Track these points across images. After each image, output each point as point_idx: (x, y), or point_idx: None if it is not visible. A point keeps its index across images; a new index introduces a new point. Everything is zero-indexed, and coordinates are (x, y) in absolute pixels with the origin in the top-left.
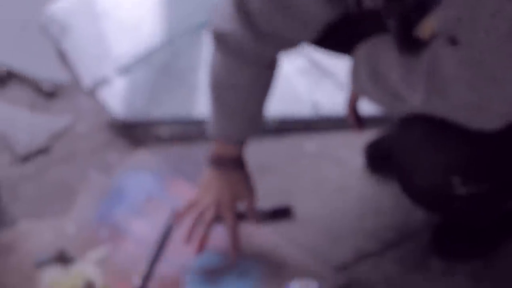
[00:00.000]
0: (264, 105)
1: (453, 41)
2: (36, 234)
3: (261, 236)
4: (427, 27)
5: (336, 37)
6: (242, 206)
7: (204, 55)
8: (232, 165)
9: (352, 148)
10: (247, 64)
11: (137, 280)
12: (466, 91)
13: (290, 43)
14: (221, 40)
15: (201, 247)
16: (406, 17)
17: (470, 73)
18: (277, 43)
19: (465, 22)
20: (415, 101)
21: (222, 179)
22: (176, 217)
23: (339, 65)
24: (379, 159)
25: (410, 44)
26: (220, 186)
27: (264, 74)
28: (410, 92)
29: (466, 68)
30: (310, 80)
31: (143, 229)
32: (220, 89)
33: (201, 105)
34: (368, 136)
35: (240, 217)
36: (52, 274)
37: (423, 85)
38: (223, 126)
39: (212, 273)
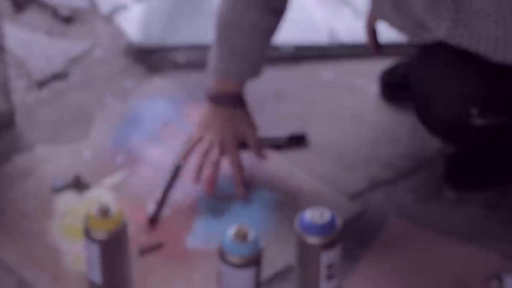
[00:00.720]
0: (266, 50)
1: None
2: (53, 160)
3: (275, 164)
4: None
5: None
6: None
7: None
8: (233, 102)
9: (368, 76)
10: (256, 5)
11: (151, 206)
12: (493, 24)
13: None
14: None
15: (211, 187)
16: None
17: (497, 7)
18: None
19: None
20: (439, 32)
21: (223, 117)
22: (181, 158)
23: None
24: (394, 87)
25: None
26: (222, 123)
27: (270, 18)
28: (434, 23)
29: (493, 1)
30: (327, 8)
31: (159, 155)
32: (226, 29)
33: None
34: (384, 64)
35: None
36: (68, 200)
37: (448, 18)
38: (224, 66)
39: (226, 200)
